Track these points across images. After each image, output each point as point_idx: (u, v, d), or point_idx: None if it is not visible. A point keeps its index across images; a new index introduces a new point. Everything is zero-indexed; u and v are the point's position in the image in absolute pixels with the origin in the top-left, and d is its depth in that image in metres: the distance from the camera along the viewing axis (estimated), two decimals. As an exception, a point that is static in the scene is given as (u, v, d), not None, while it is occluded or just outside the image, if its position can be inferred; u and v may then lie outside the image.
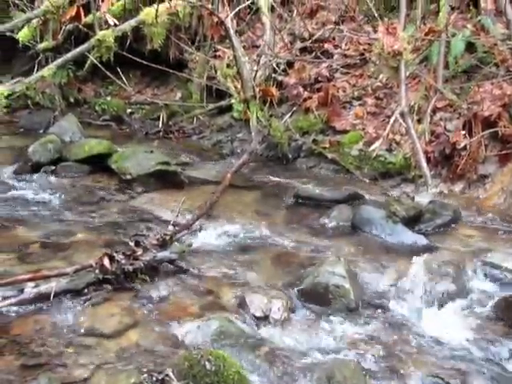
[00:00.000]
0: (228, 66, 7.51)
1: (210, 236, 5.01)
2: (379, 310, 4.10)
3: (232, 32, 5.63)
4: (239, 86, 6.98)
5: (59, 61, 4.60)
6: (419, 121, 6.36)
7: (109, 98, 8.89)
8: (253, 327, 3.84)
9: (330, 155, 6.70)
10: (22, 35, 5.50)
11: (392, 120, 5.91)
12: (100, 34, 4.49)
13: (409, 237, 5.08)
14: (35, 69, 8.12)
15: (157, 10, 4.53)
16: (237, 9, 6.48)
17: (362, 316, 4.02)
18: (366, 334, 3.84)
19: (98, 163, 6.41)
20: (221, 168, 6.69)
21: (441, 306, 4.11)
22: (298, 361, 3.56)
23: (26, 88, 4.81)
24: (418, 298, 4.16)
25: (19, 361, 3.46)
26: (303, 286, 4.19)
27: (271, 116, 7.00)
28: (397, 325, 3.95)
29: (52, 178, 6.28)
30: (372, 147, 6.05)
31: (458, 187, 6.06)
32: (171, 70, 7.90)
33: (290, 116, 7.20)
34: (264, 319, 3.91)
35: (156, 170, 6.08)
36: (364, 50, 7.39)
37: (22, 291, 4.01)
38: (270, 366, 3.50)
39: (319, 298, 4.10)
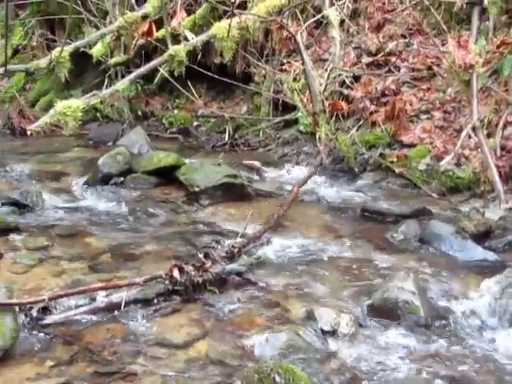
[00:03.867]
0: (294, 79, 7.54)
1: (277, 249, 5.02)
2: (449, 328, 4.03)
3: (302, 46, 5.65)
4: (305, 100, 6.99)
5: (133, 75, 4.69)
6: (489, 135, 6.25)
7: (176, 111, 9.02)
8: (321, 341, 3.83)
9: (397, 169, 6.63)
10: (96, 50, 5.65)
11: (463, 134, 5.81)
12: (172, 48, 4.56)
13: (478, 253, 4.99)
14: (105, 82, 8.33)
15: (229, 25, 4.59)
16: (308, 23, 6.49)
17: (432, 333, 3.96)
18: (436, 352, 3.78)
19: (166, 175, 6.51)
20: (287, 181, 6.70)
21: (512, 324, 4.02)
22: (366, 377, 3.53)
23: (102, 102, 4.93)
24: (488, 317, 4.07)
25: (91, 368, 3.53)
26: (372, 300, 4.16)
27: (337, 129, 6.98)
28: (467, 343, 3.88)
29: (121, 190, 6.40)
30: (443, 162, 5.96)
31: (529, 203, 5.91)
32: (240, 84, 7.98)
33: (357, 130, 7.18)
34: (332, 333, 3.89)
35: (223, 183, 6.12)
36: (432, 63, 7.32)
37: (94, 300, 4.11)
38: (338, 381, 3.48)
39: (388, 314, 4.05)
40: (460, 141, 5.81)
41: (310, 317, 4.00)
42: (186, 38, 4.78)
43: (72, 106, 4.46)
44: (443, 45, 6.99)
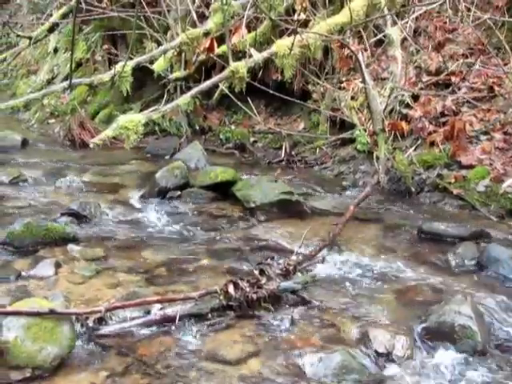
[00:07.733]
0: (353, 97, 7.51)
1: (332, 268, 4.98)
2: (507, 355, 3.93)
3: (363, 65, 5.62)
4: (364, 118, 6.94)
5: (194, 90, 4.73)
6: (551, 158, 6.13)
7: (233, 127, 9.06)
8: (375, 363, 3.78)
9: (454, 190, 6.52)
10: (158, 65, 5.73)
11: (526, 157, 5.70)
12: (233, 65, 4.60)
13: (539, 279, 4.88)
14: (164, 97, 8.43)
15: (292, 44, 4.62)
16: (370, 41, 6.47)
17: (489, 359, 3.87)
18: (492, 379, 3.69)
19: (223, 190, 6.54)
20: (343, 199, 6.67)
21: None
22: (421, 402, 3.48)
23: (162, 116, 4.99)
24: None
25: (145, 380, 3.57)
26: (428, 323, 4.08)
27: (395, 149, 6.92)
28: (525, 371, 3.79)
29: (178, 204, 6.45)
30: (505, 184, 5.85)
31: None
32: (298, 101, 8.00)
33: (414, 149, 7.10)
34: (386, 356, 3.84)
35: (279, 200, 6.13)
36: (493, 83, 7.21)
37: (148, 312, 4.14)
38: (391, 405, 3.44)
39: (444, 338, 3.97)
40: (522, 163, 5.70)
41: (364, 338, 3.96)
42: (250, 55, 4.81)
43: (134, 120, 4.52)
44: (505, 65, 6.89)
